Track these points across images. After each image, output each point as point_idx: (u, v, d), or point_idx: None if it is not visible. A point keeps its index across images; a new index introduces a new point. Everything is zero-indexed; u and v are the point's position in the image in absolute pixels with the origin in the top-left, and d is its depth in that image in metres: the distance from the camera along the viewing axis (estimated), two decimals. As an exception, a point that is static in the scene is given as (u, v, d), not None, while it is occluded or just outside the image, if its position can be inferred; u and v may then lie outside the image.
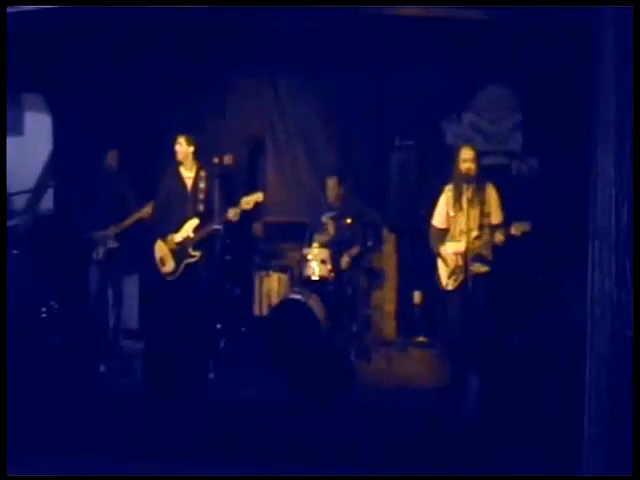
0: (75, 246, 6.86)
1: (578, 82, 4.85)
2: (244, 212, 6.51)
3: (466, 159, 6.09)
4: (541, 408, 5.28)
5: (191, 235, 6.53)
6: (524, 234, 5.94)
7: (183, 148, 6.54)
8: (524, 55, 6.80)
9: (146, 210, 6.66)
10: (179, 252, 6.56)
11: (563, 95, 6.63)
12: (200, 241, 6.54)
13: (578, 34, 4.62)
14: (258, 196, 6.52)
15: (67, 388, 5.74)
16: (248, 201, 6.48)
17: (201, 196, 6.53)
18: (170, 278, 6.59)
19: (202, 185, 6.54)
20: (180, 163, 6.61)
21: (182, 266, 6.55)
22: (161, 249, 6.61)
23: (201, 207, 6.54)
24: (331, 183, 7.32)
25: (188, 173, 6.63)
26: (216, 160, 6.42)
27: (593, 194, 3.91)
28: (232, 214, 6.40)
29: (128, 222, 6.72)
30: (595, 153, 3.91)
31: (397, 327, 7.76)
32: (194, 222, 6.54)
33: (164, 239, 6.59)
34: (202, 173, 6.57)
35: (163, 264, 6.61)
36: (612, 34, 3.80)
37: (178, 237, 6.55)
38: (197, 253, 6.55)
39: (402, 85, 7.65)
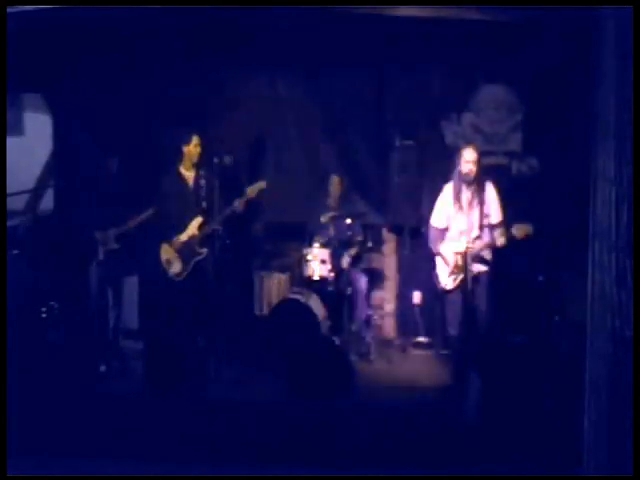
0: (75, 246, 6.86)
1: (578, 82, 4.86)
2: (249, 201, 6.53)
3: (468, 160, 6.11)
4: (541, 408, 5.28)
5: (197, 233, 6.54)
6: (527, 236, 5.94)
7: (197, 149, 6.56)
8: (524, 55, 6.80)
9: (149, 213, 6.66)
10: (186, 251, 6.55)
11: (563, 95, 6.64)
12: (206, 238, 6.53)
13: (578, 34, 4.62)
14: (262, 184, 6.56)
15: (67, 388, 5.75)
16: (252, 189, 6.51)
17: (203, 194, 6.54)
18: (179, 279, 6.58)
19: (203, 182, 6.55)
20: (181, 162, 6.62)
21: (191, 265, 6.54)
22: (167, 251, 6.60)
23: (204, 204, 6.55)
24: (333, 182, 7.35)
25: (188, 172, 6.65)
26: (216, 160, 6.43)
27: (593, 194, 3.91)
28: (238, 204, 6.42)
29: (129, 225, 6.71)
30: (595, 153, 3.91)
31: (397, 327, 7.76)
32: (199, 220, 6.54)
33: (169, 241, 6.58)
34: (202, 171, 6.58)
35: (170, 266, 6.59)
36: (612, 34, 3.79)
37: (184, 237, 6.55)
38: (204, 250, 6.55)
39: (402, 85, 7.65)
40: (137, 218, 6.70)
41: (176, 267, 6.58)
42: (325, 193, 7.40)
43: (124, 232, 6.75)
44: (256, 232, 7.74)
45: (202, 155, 6.62)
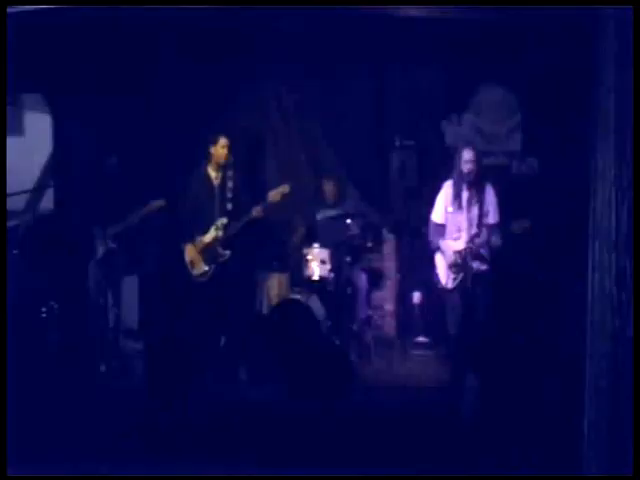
0: (75, 246, 6.86)
1: (578, 82, 4.85)
2: (271, 205, 6.52)
3: (467, 160, 6.12)
4: (541, 408, 5.29)
5: (220, 235, 6.52)
6: (525, 230, 5.96)
7: (224, 150, 6.53)
8: (524, 55, 6.80)
9: (156, 204, 6.63)
10: (210, 253, 6.54)
11: (563, 95, 6.63)
12: (228, 240, 6.52)
13: (578, 34, 4.62)
14: (284, 188, 6.54)
15: (67, 388, 5.75)
16: (275, 194, 6.49)
17: (228, 194, 6.53)
18: (202, 279, 6.57)
19: (230, 184, 6.54)
20: (208, 163, 6.60)
21: (213, 266, 6.53)
22: (190, 252, 6.60)
23: (229, 206, 6.53)
24: (329, 183, 7.34)
25: (214, 173, 6.63)
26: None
27: (593, 194, 3.91)
28: (260, 209, 6.42)
29: (129, 221, 6.69)
30: (595, 153, 3.91)
31: (397, 327, 7.76)
32: (222, 221, 6.52)
33: (193, 242, 6.58)
34: (229, 172, 6.56)
35: (193, 266, 6.59)
36: (612, 34, 3.80)
37: (207, 238, 6.54)
38: (227, 252, 6.53)
39: (402, 85, 7.65)
40: (143, 210, 6.67)
41: (199, 268, 6.57)
42: (325, 193, 7.40)
43: (122, 230, 6.72)
44: (257, 232, 7.73)
45: (229, 157, 6.60)
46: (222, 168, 6.58)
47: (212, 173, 6.63)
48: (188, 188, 6.66)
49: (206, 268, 6.56)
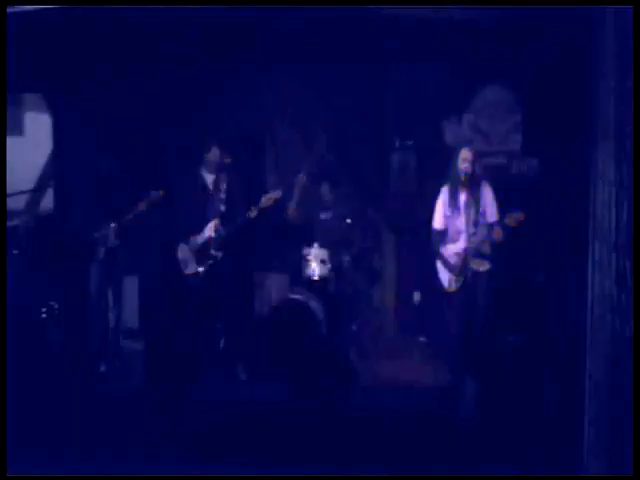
0: (75, 246, 6.85)
1: (578, 82, 4.85)
2: (263, 210, 6.51)
3: (465, 159, 6.11)
4: (541, 408, 5.29)
5: (213, 235, 6.53)
6: (519, 222, 5.93)
7: (216, 158, 6.56)
8: (524, 55, 6.80)
9: (157, 194, 6.61)
10: (202, 253, 6.55)
11: (563, 95, 6.63)
12: (221, 241, 6.53)
13: (578, 34, 4.62)
14: (277, 193, 6.55)
15: (67, 388, 5.75)
16: (268, 199, 6.50)
17: (222, 196, 6.54)
18: (193, 279, 6.58)
19: (223, 185, 6.55)
20: (202, 164, 6.61)
21: (205, 267, 6.55)
22: (184, 251, 6.62)
23: (222, 208, 6.55)
24: (329, 183, 7.34)
25: (209, 175, 6.64)
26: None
27: (593, 194, 3.92)
28: (251, 213, 6.41)
29: (137, 210, 6.65)
30: (595, 153, 3.92)
31: (397, 327, 7.76)
32: (216, 222, 6.53)
33: (186, 241, 6.60)
34: (223, 174, 6.58)
35: (186, 266, 6.60)
36: (612, 34, 3.80)
37: (200, 238, 6.55)
38: (220, 253, 6.54)
39: (402, 85, 7.65)
40: (144, 201, 6.63)
41: (191, 268, 6.59)
42: (325, 193, 7.39)
43: (125, 224, 6.69)
44: (256, 232, 7.73)
45: (222, 161, 6.63)
46: (216, 170, 6.60)
47: (206, 175, 6.64)
48: (183, 188, 6.67)
49: (199, 269, 6.57)
